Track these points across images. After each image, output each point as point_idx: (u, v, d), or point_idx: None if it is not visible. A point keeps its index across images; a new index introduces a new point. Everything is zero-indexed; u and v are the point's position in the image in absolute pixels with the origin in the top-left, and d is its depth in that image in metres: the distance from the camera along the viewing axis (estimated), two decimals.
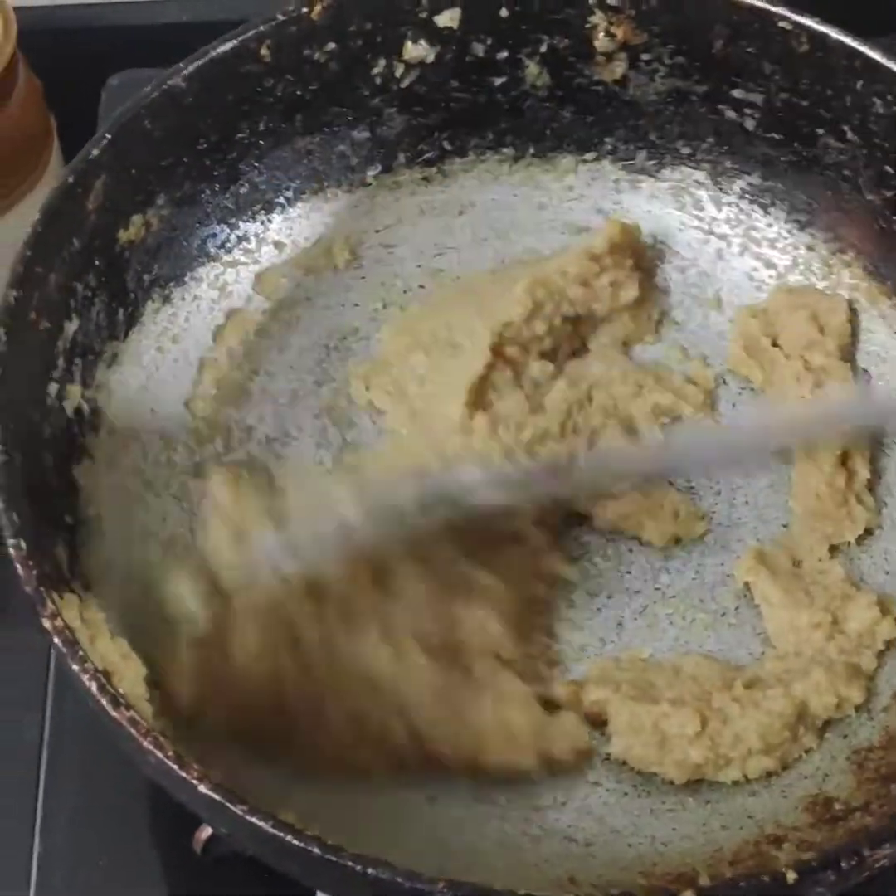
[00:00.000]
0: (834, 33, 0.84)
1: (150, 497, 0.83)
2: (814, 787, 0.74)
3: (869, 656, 0.77)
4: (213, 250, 0.90)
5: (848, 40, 0.84)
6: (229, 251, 0.91)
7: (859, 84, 0.85)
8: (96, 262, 0.82)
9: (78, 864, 0.77)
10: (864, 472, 0.83)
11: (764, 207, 0.93)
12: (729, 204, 0.94)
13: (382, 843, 0.67)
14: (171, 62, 0.92)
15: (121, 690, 0.66)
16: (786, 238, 0.92)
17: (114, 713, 0.61)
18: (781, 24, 0.85)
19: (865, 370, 0.89)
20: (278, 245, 0.92)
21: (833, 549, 0.82)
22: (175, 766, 0.59)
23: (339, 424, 0.88)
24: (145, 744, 0.60)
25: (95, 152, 0.79)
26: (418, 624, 0.75)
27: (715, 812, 0.75)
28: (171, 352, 0.87)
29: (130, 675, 0.69)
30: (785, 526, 0.84)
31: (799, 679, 0.75)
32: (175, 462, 0.84)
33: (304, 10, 0.86)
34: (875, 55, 0.83)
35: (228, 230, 0.90)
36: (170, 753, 0.60)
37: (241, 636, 0.73)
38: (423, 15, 0.88)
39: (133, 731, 0.60)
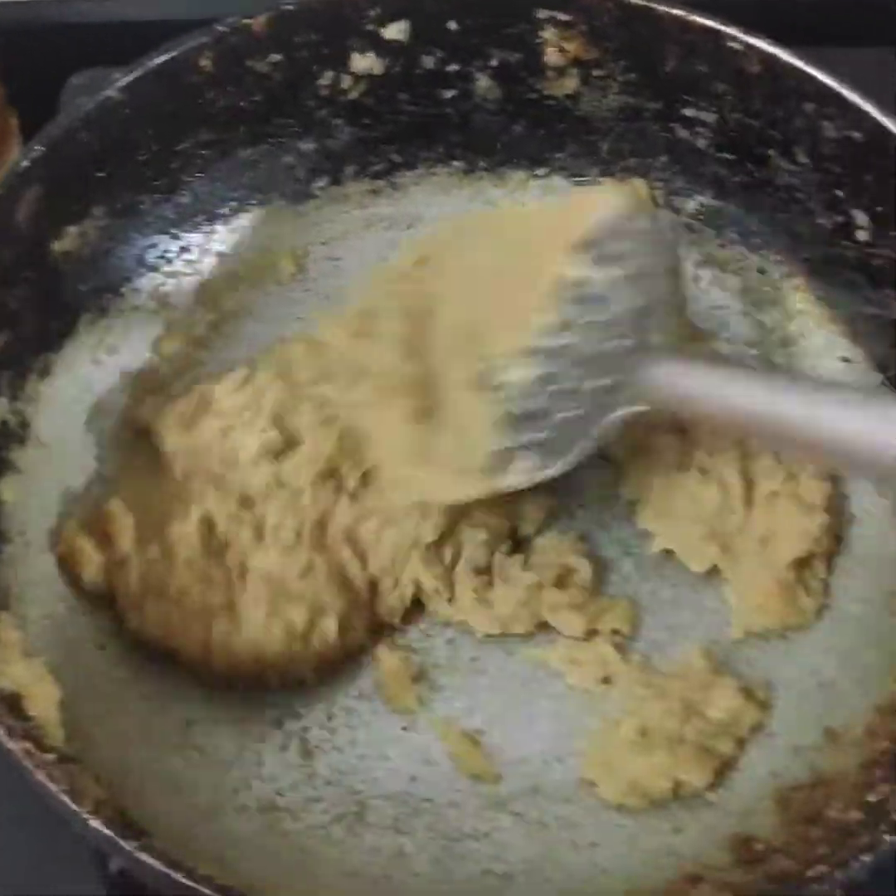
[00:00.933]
0: (784, 56, 0.83)
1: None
2: (737, 825, 0.73)
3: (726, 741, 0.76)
4: (152, 261, 0.89)
5: (799, 63, 0.82)
6: (170, 262, 0.89)
7: (810, 107, 0.83)
8: (27, 274, 0.80)
9: None
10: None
11: (717, 228, 0.91)
12: (682, 224, 0.92)
13: (292, 879, 0.66)
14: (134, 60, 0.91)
15: (31, 713, 0.65)
16: (738, 260, 0.91)
17: (9, 744, 0.60)
18: (732, 44, 0.84)
19: None
20: (221, 256, 0.91)
21: None
22: (67, 800, 0.58)
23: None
24: (38, 777, 0.58)
25: (26, 164, 0.78)
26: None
27: (636, 847, 0.73)
28: (107, 364, 0.86)
29: (43, 699, 0.68)
30: None
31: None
32: (105, 476, 0.83)
33: (247, 20, 0.84)
34: (825, 79, 0.82)
35: (169, 241, 0.89)
36: (64, 787, 0.59)
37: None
38: (371, 27, 0.87)
39: (28, 764, 0.59)
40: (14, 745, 0.59)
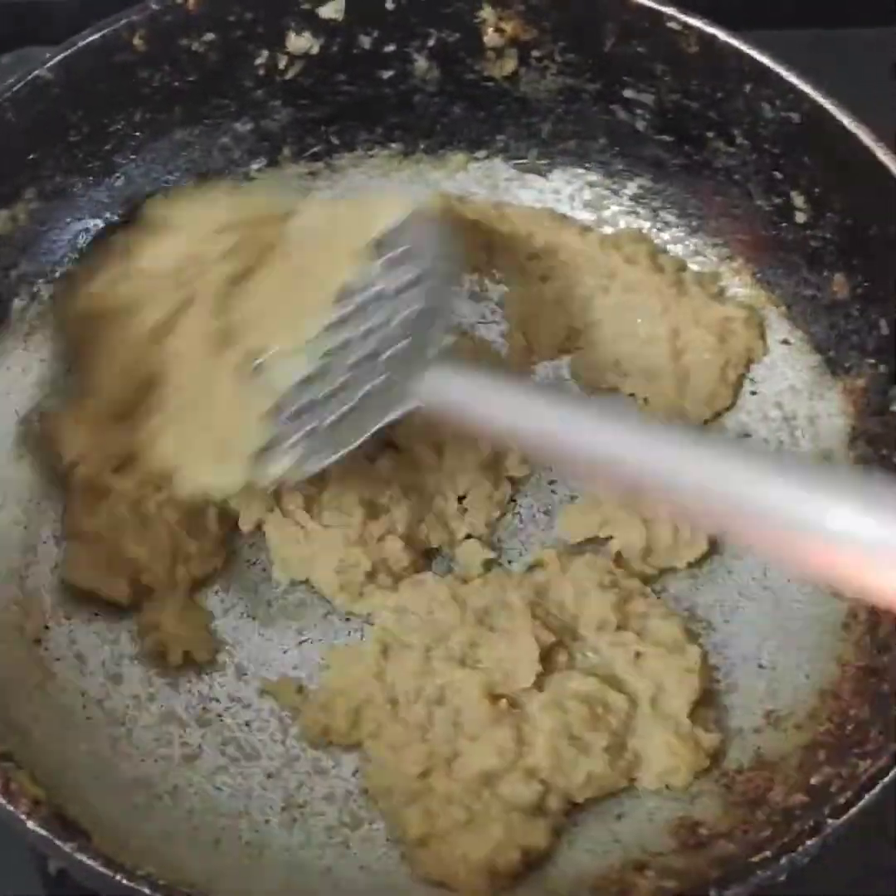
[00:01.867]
0: (722, 35, 0.82)
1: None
2: (680, 810, 0.73)
3: None
4: (85, 245, 0.87)
5: (737, 43, 0.82)
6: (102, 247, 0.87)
7: (748, 88, 0.83)
8: None
9: None
10: None
11: (655, 211, 0.91)
12: (620, 206, 0.92)
13: (235, 874, 0.66)
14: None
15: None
16: (676, 242, 0.91)
17: None
18: (670, 24, 0.83)
19: (751, 379, 0.87)
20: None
21: None
22: (2, 800, 0.57)
23: None
24: None
25: None
26: None
27: (581, 834, 0.73)
28: (39, 352, 0.84)
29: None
30: None
31: None
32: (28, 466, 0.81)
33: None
34: (764, 59, 0.82)
35: (103, 224, 0.87)
36: None
37: None
38: (307, 6, 0.86)
39: None
40: None
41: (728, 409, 0.86)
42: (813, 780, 0.69)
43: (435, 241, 0.78)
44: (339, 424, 0.74)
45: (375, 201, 0.81)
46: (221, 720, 0.77)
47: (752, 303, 0.88)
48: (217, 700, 0.78)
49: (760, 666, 0.78)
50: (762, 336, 0.86)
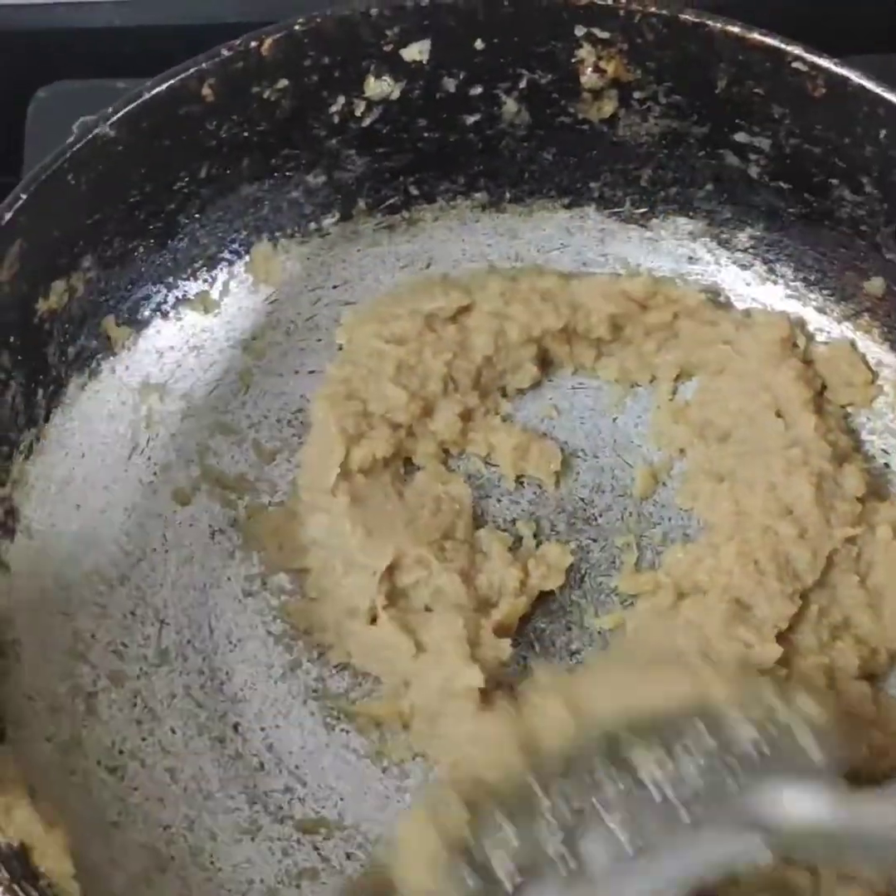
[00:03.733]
0: (855, 77, 0.75)
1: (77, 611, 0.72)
2: None
3: None
4: (147, 314, 0.79)
5: (871, 86, 0.75)
6: (166, 315, 0.79)
7: (882, 133, 0.75)
8: (11, 339, 0.70)
9: None
10: None
11: (769, 264, 0.83)
12: (729, 259, 0.84)
13: None
14: (106, 72, 0.81)
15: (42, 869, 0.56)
16: (794, 298, 0.83)
17: None
18: (796, 64, 0.76)
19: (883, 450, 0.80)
20: (223, 306, 0.81)
21: None
22: None
23: None
24: None
25: (8, 216, 0.68)
26: None
27: None
28: (101, 434, 0.76)
29: (54, 848, 0.59)
30: None
31: None
32: (102, 567, 0.73)
33: (254, 44, 0.74)
34: None
35: (166, 291, 0.79)
36: None
37: None
38: (389, 47, 0.78)
39: None
40: None
41: None
42: None
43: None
44: None
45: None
46: None
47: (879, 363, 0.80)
48: None
49: None
50: None
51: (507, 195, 0.85)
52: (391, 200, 0.84)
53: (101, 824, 0.66)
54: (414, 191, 0.84)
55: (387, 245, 0.85)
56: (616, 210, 0.85)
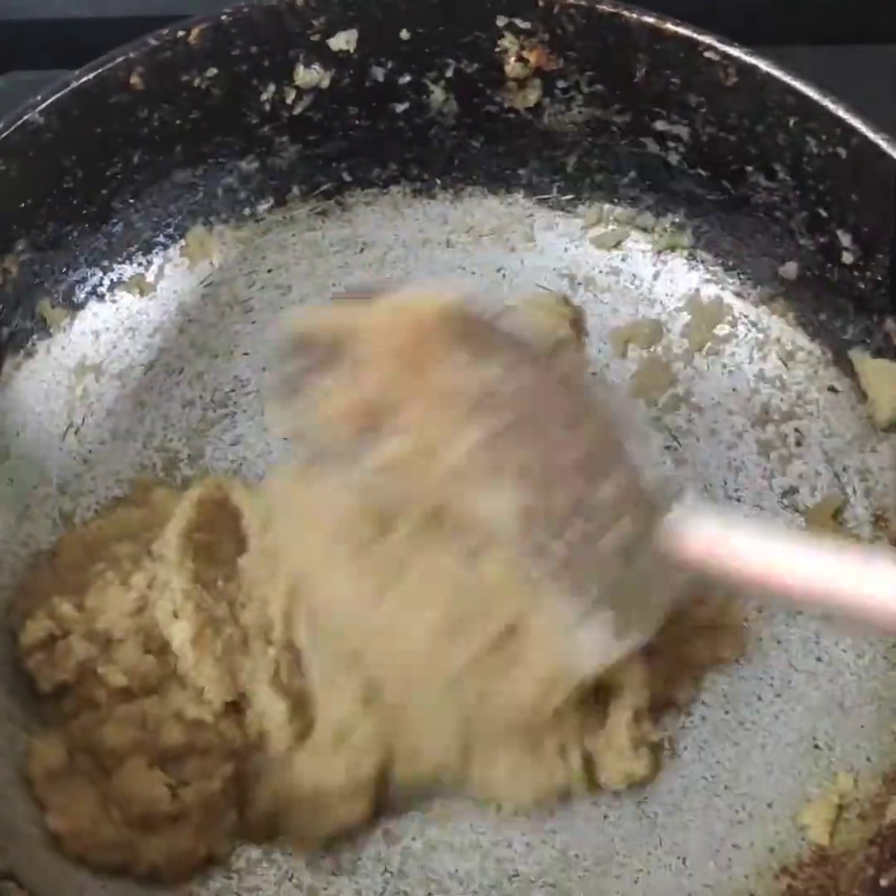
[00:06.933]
0: (764, 66, 0.77)
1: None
2: None
3: None
4: (83, 297, 0.81)
5: (780, 75, 0.77)
6: (101, 297, 0.82)
7: (792, 121, 0.77)
8: None
9: None
10: None
11: (689, 249, 0.85)
12: (651, 244, 0.86)
13: None
14: (63, 63, 0.83)
15: None
16: (713, 282, 0.85)
17: None
18: (708, 54, 0.78)
19: (796, 429, 0.82)
20: (159, 289, 0.83)
21: None
22: None
23: None
24: None
25: None
26: None
27: None
28: (36, 412, 0.79)
29: None
30: None
31: None
32: (29, 535, 0.76)
33: (181, 33, 0.77)
34: (809, 91, 0.76)
35: (101, 274, 0.82)
36: None
37: None
38: (316, 37, 0.80)
39: None
40: None
41: None
42: (883, 882, 0.63)
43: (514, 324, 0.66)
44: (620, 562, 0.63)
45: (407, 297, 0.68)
46: None
47: (794, 346, 0.82)
48: None
49: (816, 746, 0.73)
50: None
51: (438, 182, 0.87)
52: (325, 186, 0.86)
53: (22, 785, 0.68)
54: (347, 177, 0.86)
55: (321, 230, 0.87)
56: (543, 196, 0.87)
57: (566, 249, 0.87)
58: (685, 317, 0.85)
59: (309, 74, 0.81)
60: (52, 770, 0.67)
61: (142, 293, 0.83)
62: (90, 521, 0.78)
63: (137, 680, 0.70)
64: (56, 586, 0.72)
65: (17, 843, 0.64)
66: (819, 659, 0.75)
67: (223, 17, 0.77)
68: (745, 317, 0.84)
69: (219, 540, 0.75)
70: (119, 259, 0.82)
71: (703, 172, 0.83)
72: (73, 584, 0.72)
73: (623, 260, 0.87)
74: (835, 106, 0.76)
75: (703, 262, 0.85)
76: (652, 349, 0.85)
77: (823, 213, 0.79)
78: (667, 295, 0.86)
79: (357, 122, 0.84)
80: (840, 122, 0.76)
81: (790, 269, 0.82)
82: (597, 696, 0.70)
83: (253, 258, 0.86)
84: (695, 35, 0.78)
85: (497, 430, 0.64)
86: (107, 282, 0.82)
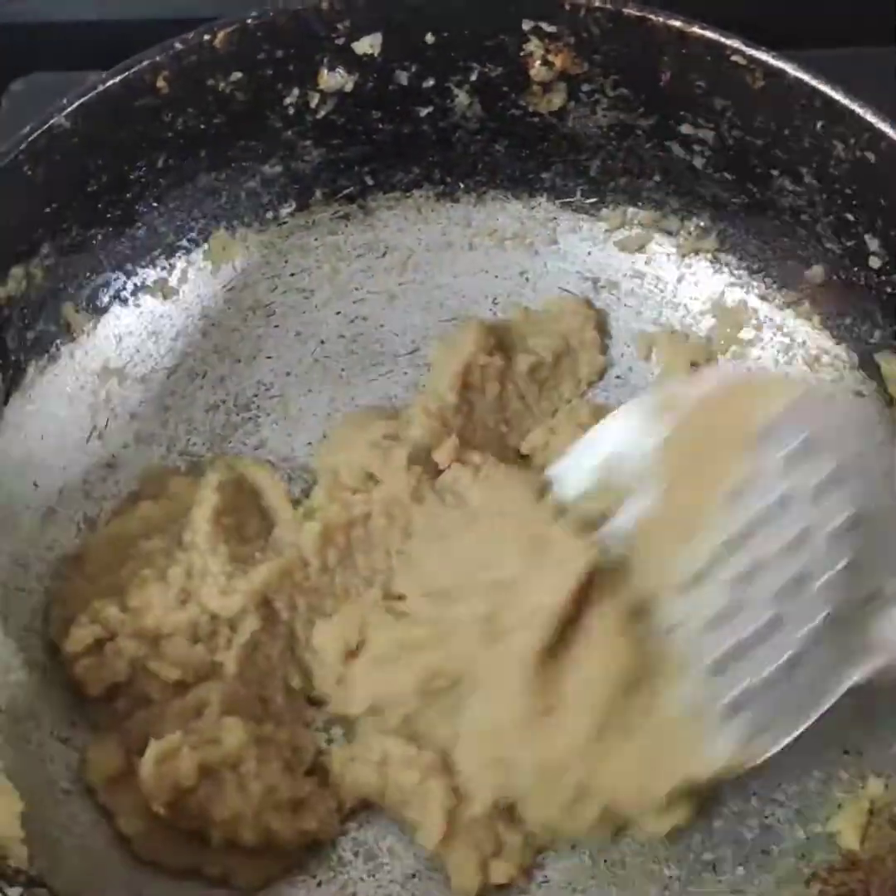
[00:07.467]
0: (792, 70, 0.76)
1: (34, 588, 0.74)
2: None
3: None
4: (106, 301, 0.81)
5: (807, 78, 0.76)
6: (125, 301, 0.81)
7: (819, 125, 0.77)
8: None
9: None
10: None
11: (714, 252, 0.85)
12: (675, 247, 0.86)
13: None
14: (83, 65, 0.83)
15: None
16: (738, 285, 0.85)
17: None
18: (735, 57, 0.77)
19: None
20: (182, 292, 0.83)
21: None
22: None
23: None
24: None
25: None
26: None
27: None
28: (60, 417, 0.78)
29: (4, 814, 0.61)
30: None
31: None
32: (55, 539, 0.76)
33: (207, 37, 0.76)
34: (837, 95, 0.76)
35: (124, 278, 0.82)
36: None
37: None
38: (340, 41, 0.80)
39: None
40: None
41: None
42: None
43: (848, 427, 0.65)
44: (785, 683, 0.62)
45: (752, 384, 0.67)
46: None
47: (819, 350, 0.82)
48: None
49: (846, 752, 0.72)
50: None
51: (461, 185, 0.87)
52: (347, 190, 0.86)
53: (53, 792, 0.68)
54: (369, 181, 0.86)
55: (343, 234, 0.87)
56: (567, 200, 0.87)
57: (590, 253, 0.87)
58: (710, 320, 0.85)
59: (333, 78, 0.81)
60: (113, 774, 0.67)
61: (165, 297, 0.83)
62: (110, 521, 0.77)
63: (191, 671, 0.70)
64: (92, 591, 0.72)
65: (49, 851, 0.63)
66: None
67: (249, 21, 0.77)
68: (771, 320, 0.84)
69: (245, 519, 0.76)
70: (142, 263, 0.82)
71: (728, 176, 0.82)
72: (108, 586, 0.72)
73: (647, 263, 0.86)
74: (863, 110, 0.75)
75: (727, 265, 0.85)
76: (676, 353, 0.85)
77: (850, 217, 0.78)
78: (691, 298, 0.86)
79: (380, 125, 0.84)
80: (869, 126, 0.75)
81: (816, 272, 0.82)
82: None
83: (276, 262, 0.85)
84: (722, 39, 0.77)
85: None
86: (130, 286, 0.82)
